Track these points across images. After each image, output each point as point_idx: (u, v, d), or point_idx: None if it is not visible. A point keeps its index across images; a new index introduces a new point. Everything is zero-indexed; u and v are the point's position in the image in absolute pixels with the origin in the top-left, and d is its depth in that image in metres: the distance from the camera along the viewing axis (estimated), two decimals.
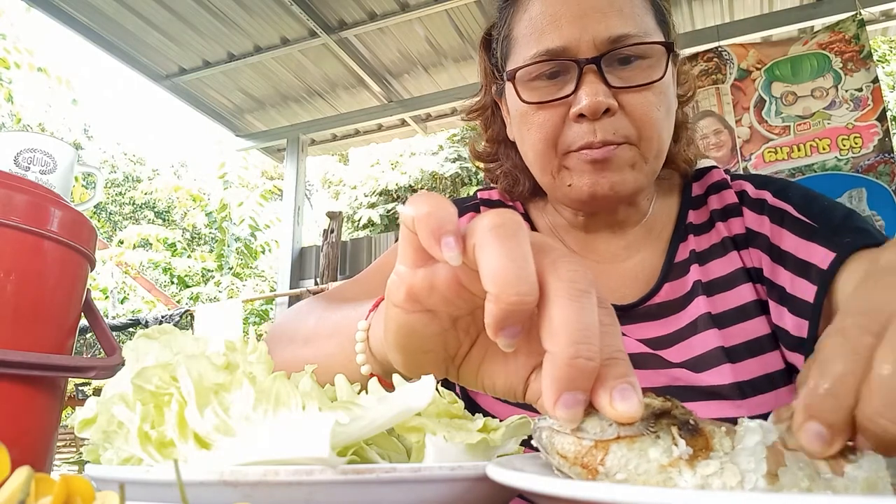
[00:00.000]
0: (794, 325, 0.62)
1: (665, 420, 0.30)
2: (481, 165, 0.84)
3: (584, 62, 0.63)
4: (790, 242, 0.65)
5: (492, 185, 0.86)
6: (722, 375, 0.63)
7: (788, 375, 0.64)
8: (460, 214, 0.79)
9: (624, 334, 0.68)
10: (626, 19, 0.64)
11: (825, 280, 0.59)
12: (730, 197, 0.73)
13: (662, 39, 0.66)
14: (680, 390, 0.64)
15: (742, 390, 0.62)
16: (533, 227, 0.80)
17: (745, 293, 0.68)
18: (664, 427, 0.29)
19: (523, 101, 0.67)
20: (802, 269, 0.62)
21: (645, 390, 0.31)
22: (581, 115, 0.63)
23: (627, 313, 0.70)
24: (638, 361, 0.67)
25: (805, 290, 0.61)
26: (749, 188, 0.73)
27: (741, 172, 2.61)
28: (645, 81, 0.63)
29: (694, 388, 0.64)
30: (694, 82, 0.78)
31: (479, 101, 0.81)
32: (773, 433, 0.28)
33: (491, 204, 0.83)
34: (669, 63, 0.65)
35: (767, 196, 0.70)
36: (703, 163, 0.83)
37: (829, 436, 0.26)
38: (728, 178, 0.76)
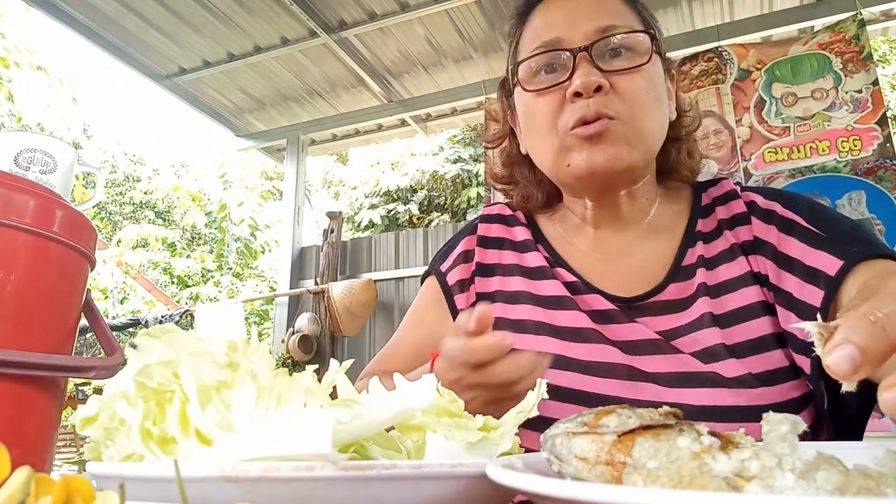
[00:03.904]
0: (801, 329, 0.63)
1: (681, 421, 0.30)
2: (498, 186, 0.91)
3: (577, 50, 0.71)
4: (798, 250, 0.68)
5: (496, 201, 0.96)
6: (727, 367, 0.65)
7: (793, 373, 0.66)
8: (457, 242, 0.89)
9: (636, 321, 0.72)
10: (613, 16, 0.72)
11: (832, 286, 0.62)
12: (738, 207, 0.77)
13: (647, 41, 0.72)
14: (686, 375, 0.66)
15: (744, 381, 0.64)
16: (542, 236, 0.86)
17: (751, 295, 0.70)
18: (684, 424, 0.29)
19: (526, 90, 0.75)
20: (811, 275, 0.65)
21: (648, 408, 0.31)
22: (576, 95, 0.70)
23: (633, 305, 0.74)
24: (650, 347, 0.69)
25: (813, 295, 0.64)
26: (758, 199, 0.76)
27: (743, 177, 2.63)
28: (631, 66, 0.71)
29: (699, 374, 0.66)
30: (697, 108, 0.85)
31: (498, 132, 0.90)
32: (801, 424, 0.28)
33: (491, 219, 0.89)
34: (654, 54, 0.72)
35: (777, 207, 0.74)
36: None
37: (860, 361, 0.26)
38: (738, 188, 0.80)
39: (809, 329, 0.30)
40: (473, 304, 0.81)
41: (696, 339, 0.69)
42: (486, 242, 0.86)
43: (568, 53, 0.71)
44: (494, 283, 0.82)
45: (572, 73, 0.70)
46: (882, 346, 0.27)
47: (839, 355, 0.27)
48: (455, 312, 0.82)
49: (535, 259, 0.81)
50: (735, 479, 0.26)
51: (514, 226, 0.87)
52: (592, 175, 0.72)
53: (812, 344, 0.61)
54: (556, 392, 0.66)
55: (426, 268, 0.91)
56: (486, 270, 0.84)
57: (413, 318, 0.88)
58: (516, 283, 0.80)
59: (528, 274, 0.80)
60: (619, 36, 0.71)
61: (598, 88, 0.69)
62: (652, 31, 0.72)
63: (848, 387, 0.29)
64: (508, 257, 0.84)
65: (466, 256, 0.86)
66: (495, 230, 0.87)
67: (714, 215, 0.78)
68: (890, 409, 0.25)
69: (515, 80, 0.78)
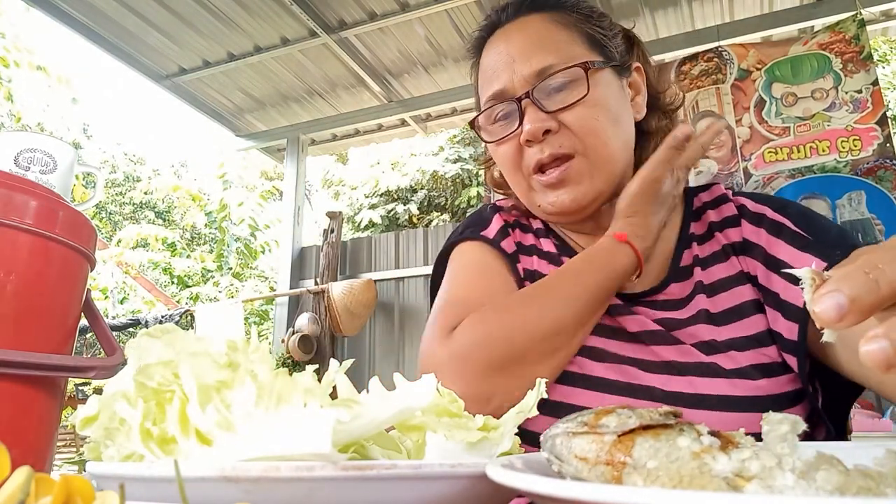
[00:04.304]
0: (787, 329, 0.66)
1: (681, 421, 0.30)
2: (501, 192, 0.92)
3: (520, 98, 0.73)
4: (785, 252, 0.70)
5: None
6: (725, 359, 0.67)
7: (786, 368, 0.67)
8: (489, 217, 0.86)
9: (636, 314, 0.72)
10: (548, 53, 0.74)
11: None
12: (728, 210, 0.79)
13: (584, 61, 0.73)
14: (686, 365, 0.67)
15: (741, 373, 0.65)
16: (550, 228, 0.86)
17: (744, 293, 0.72)
18: (684, 424, 0.29)
19: (485, 141, 0.80)
20: (795, 277, 0.64)
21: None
22: (528, 140, 0.73)
23: (636, 301, 0.75)
24: (652, 336, 0.70)
25: (796, 296, 0.66)
26: (749, 203, 0.78)
27: (743, 177, 2.63)
28: (574, 101, 0.72)
29: (699, 364, 0.67)
30: (675, 90, 0.86)
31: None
32: (801, 424, 0.28)
33: (508, 209, 0.89)
34: (591, 77, 0.72)
35: (767, 211, 0.75)
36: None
37: (847, 310, 0.26)
38: (729, 193, 0.81)
39: (802, 275, 0.29)
40: (521, 283, 0.78)
41: (693, 333, 0.70)
42: (514, 225, 0.86)
43: (514, 103, 0.74)
44: (535, 263, 0.82)
45: (521, 120, 0.73)
46: (872, 298, 0.27)
47: (827, 303, 0.27)
48: (519, 281, 0.78)
49: (548, 244, 0.83)
50: (735, 479, 0.26)
51: (529, 216, 0.88)
52: (562, 214, 0.76)
53: (797, 345, 0.62)
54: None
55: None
56: (524, 250, 0.84)
57: (480, 276, 0.79)
58: (544, 267, 0.81)
59: (546, 258, 0.82)
60: (555, 75, 0.72)
61: (547, 131, 0.72)
62: (585, 63, 0.72)
63: (828, 336, 0.29)
64: (529, 239, 0.85)
65: (504, 231, 0.84)
66: (514, 215, 0.88)
67: (705, 218, 0.80)
68: (868, 360, 0.25)
69: (468, 122, 0.81)
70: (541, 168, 0.74)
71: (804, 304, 0.61)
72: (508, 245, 0.82)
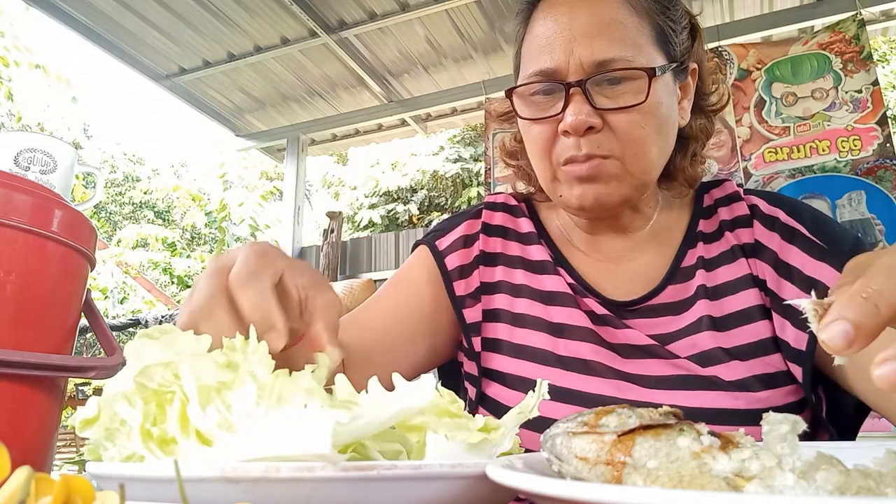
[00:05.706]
0: (795, 338, 0.64)
1: (681, 421, 0.30)
2: (511, 162, 0.88)
3: (571, 84, 0.67)
4: (799, 259, 0.68)
5: (499, 191, 0.91)
6: (728, 370, 0.65)
7: (790, 377, 0.66)
8: (458, 223, 0.85)
9: (630, 327, 0.71)
10: (614, 43, 0.66)
11: None
12: (740, 209, 0.76)
13: (652, 63, 0.67)
14: (683, 378, 0.66)
15: (744, 385, 0.64)
16: (543, 227, 0.84)
17: (749, 298, 0.70)
18: (684, 424, 0.29)
19: (520, 116, 0.73)
20: (809, 285, 0.65)
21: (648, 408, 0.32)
22: (567, 132, 0.67)
23: (630, 309, 0.73)
24: (646, 352, 0.69)
25: None
26: (762, 204, 0.75)
27: (743, 177, 2.63)
28: (627, 105, 0.66)
29: (698, 377, 0.65)
30: (726, 91, 0.81)
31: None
32: (801, 424, 0.28)
33: (495, 207, 0.86)
34: (653, 84, 0.66)
35: (780, 214, 0.73)
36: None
37: (854, 337, 0.28)
38: (741, 191, 0.79)
39: (804, 306, 0.32)
40: (476, 293, 0.78)
41: (694, 343, 0.68)
42: (489, 230, 0.83)
43: (562, 86, 0.68)
44: (498, 273, 0.80)
45: (565, 107, 0.67)
46: (874, 322, 0.29)
47: (834, 331, 0.29)
48: (454, 298, 0.78)
49: (538, 253, 0.80)
50: (735, 479, 0.26)
51: (519, 217, 0.85)
52: (583, 210, 0.72)
53: (803, 354, 0.62)
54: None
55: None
56: (489, 259, 0.81)
57: (395, 285, 0.82)
58: (519, 277, 0.79)
59: (530, 267, 0.79)
60: (615, 71, 0.66)
61: (591, 128, 0.66)
62: (652, 68, 0.66)
63: (839, 360, 0.31)
64: (513, 248, 0.82)
65: (467, 241, 0.82)
66: (499, 218, 0.84)
67: (716, 216, 0.78)
68: (882, 383, 0.26)
69: (506, 90, 0.75)
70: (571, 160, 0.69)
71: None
72: (461, 258, 0.80)
